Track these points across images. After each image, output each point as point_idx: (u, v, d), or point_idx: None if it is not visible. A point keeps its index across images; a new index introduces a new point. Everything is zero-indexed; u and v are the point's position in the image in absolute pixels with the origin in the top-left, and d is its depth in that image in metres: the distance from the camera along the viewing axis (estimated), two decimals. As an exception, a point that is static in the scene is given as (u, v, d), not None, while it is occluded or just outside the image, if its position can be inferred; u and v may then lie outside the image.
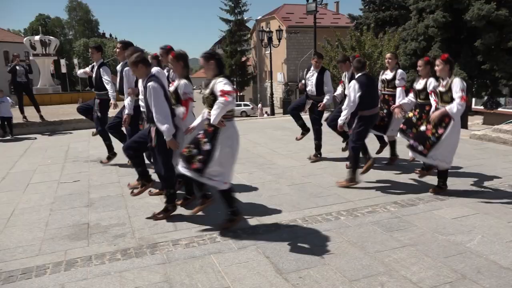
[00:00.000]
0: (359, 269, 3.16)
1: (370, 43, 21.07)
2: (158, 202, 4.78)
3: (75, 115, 11.98)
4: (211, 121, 3.53)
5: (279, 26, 32.65)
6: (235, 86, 46.46)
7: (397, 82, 5.98)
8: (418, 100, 5.46)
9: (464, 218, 4.13)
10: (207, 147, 3.63)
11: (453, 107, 4.44)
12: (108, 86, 6.21)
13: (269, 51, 29.18)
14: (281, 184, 5.44)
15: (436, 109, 4.72)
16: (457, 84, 4.47)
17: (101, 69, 6.29)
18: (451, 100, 4.52)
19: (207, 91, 3.66)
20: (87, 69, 6.72)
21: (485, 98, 20.17)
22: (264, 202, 4.73)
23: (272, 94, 29.18)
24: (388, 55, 6.32)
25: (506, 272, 3.06)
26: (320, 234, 3.81)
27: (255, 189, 5.25)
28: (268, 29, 31.92)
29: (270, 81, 30.27)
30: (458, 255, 3.34)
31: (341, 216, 4.26)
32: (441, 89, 4.67)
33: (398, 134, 5.77)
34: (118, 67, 5.55)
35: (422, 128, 4.83)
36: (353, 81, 5.29)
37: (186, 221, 4.16)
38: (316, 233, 3.84)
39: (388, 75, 6.15)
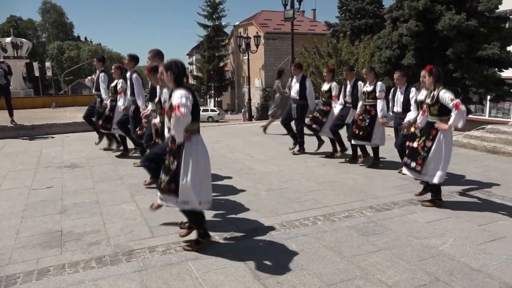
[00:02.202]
0: (336, 273, 3.20)
1: (346, 50, 21.44)
2: (134, 209, 4.71)
3: (47, 119, 11.71)
4: (176, 141, 3.34)
5: (257, 32, 32.78)
6: (212, 92, 46.38)
7: (377, 94, 6.28)
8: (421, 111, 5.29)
9: (437, 222, 4.24)
10: (174, 166, 3.41)
11: (452, 120, 4.35)
12: (102, 90, 7.48)
13: (247, 57, 29.25)
14: (259, 189, 5.44)
15: (428, 124, 4.66)
16: (445, 96, 4.39)
17: (101, 75, 7.60)
18: (439, 112, 4.50)
19: (168, 104, 3.45)
20: (92, 76, 8.04)
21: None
22: (242, 208, 4.72)
23: (250, 99, 29.24)
24: (364, 70, 6.62)
25: (477, 274, 3.16)
26: (298, 239, 3.83)
27: (233, 194, 5.23)
28: (246, 35, 32.01)
29: (248, 86, 30.34)
30: (431, 258, 3.42)
31: (318, 221, 4.30)
32: (428, 101, 4.63)
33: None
34: (128, 74, 6.55)
35: (415, 144, 4.80)
36: (414, 89, 5.84)
37: (163, 228, 4.11)
38: (293, 238, 3.86)
39: (367, 87, 6.44)
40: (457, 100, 4.36)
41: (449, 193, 5.20)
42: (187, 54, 72.68)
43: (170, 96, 3.46)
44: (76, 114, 14.03)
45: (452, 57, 17.88)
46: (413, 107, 5.65)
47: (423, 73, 5.28)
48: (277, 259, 3.45)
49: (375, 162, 6.61)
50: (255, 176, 6.14)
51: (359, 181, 5.82)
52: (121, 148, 7.65)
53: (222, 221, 4.32)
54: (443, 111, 4.48)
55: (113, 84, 7.26)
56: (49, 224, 4.28)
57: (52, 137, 9.99)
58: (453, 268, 3.26)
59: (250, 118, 26.60)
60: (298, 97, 7.41)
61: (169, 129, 3.43)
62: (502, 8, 18.19)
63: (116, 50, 65.93)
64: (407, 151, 5.01)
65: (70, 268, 3.33)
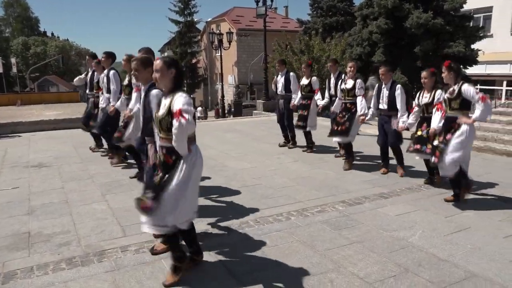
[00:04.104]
0: (310, 267, 3.24)
1: (318, 47, 21.64)
2: (105, 208, 4.62)
3: (13, 117, 11.29)
4: (181, 153, 2.82)
5: (230, 29, 32.71)
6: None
7: (357, 91, 6.16)
8: (426, 114, 5.12)
9: (406, 214, 4.36)
10: (164, 179, 2.86)
11: (478, 113, 4.31)
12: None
13: (219, 54, 29.10)
14: (233, 186, 5.44)
15: (449, 119, 4.54)
16: (469, 90, 4.33)
17: (95, 73, 7.16)
18: (460, 106, 4.42)
19: (162, 110, 2.89)
20: (84, 75, 7.69)
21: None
22: (215, 205, 4.71)
23: (223, 96, 29.16)
24: (350, 63, 6.38)
25: (444, 264, 3.28)
26: (272, 235, 3.86)
27: (207, 191, 5.21)
28: (218, 31, 31.83)
29: (221, 83, 30.23)
30: (401, 250, 3.53)
31: (291, 216, 4.34)
32: (448, 96, 4.52)
33: (416, 156, 5.34)
34: (105, 71, 6.51)
35: (435, 142, 4.70)
36: (400, 86, 5.65)
37: (135, 226, 4.05)
38: (267, 234, 3.89)
39: (348, 84, 6.29)
40: (482, 93, 4.33)
41: (418, 186, 5.37)
42: (159, 51, 71.43)
43: (154, 101, 3.05)
44: (43, 112, 13.61)
45: (420, 54, 18.39)
46: (402, 107, 5.50)
47: (424, 74, 5.09)
48: (251, 255, 3.47)
49: (350, 160, 6.36)
50: (229, 173, 6.13)
51: (331, 176, 5.91)
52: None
53: (196, 218, 4.29)
54: (465, 105, 4.44)
55: (96, 80, 7.04)
56: (15, 226, 4.14)
57: (19, 136, 9.65)
58: (422, 258, 3.37)
59: (224, 115, 26.53)
60: (284, 92, 7.66)
61: (161, 139, 2.94)
62: (466, 7, 18.85)
63: (84, 46, 63.89)
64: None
65: (38, 270, 3.24)
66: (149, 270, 3.22)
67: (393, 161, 6.00)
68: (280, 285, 3.00)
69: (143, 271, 3.20)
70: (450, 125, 4.53)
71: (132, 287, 2.99)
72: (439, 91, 4.94)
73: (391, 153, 5.96)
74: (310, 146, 7.57)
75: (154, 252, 3.50)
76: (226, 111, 27.63)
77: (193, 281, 3.05)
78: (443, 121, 4.66)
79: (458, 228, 3.98)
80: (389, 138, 5.78)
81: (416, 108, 5.30)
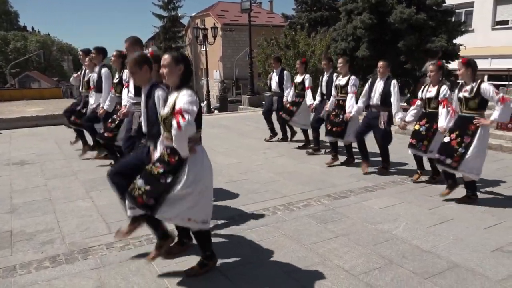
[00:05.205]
0: (296, 261, 3.27)
1: (303, 42, 21.68)
2: (90, 205, 4.56)
3: (-7, 114, 11.05)
4: (181, 155, 2.71)
5: (214, 24, 32.48)
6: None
7: (349, 88, 5.97)
8: (428, 109, 4.98)
9: (390, 207, 4.42)
10: (168, 179, 2.75)
11: (497, 114, 4.15)
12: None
13: (204, 49, 28.90)
14: (219, 181, 5.42)
15: (464, 119, 4.33)
16: (488, 89, 4.15)
17: (87, 71, 6.85)
18: (479, 106, 4.24)
19: (167, 109, 2.78)
20: (78, 73, 7.26)
21: (408, 95, 21.71)
22: (202, 200, 4.69)
23: (208, 91, 29.01)
24: (340, 60, 6.14)
25: (427, 255, 3.34)
26: (258, 230, 3.87)
27: (193, 187, 5.19)
28: (203, 26, 31.60)
29: (206, 78, 30.07)
30: (385, 242, 3.58)
31: (277, 211, 4.36)
32: (465, 94, 4.30)
33: (409, 150, 5.25)
34: (96, 69, 6.26)
35: (446, 139, 4.42)
36: (395, 81, 5.43)
37: (121, 223, 4.01)
38: (253, 228, 3.90)
39: (341, 81, 6.10)
40: (502, 93, 4.19)
41: (401, 179, 5.44)
42: (143, 46, 70.69)
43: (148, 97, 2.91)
44: (25, 109, 13.34)
45: (403, 49, 18.57)
46: (397, 103, 5.33)
47: (430, 67, 4.91)
48: (238, 250, 3.48)
49: (349, 160, 6.26)
50: (215, 168, 6.02)
51: (316, 170, 5.95)
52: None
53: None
54: (482, 105, 4.25)
55: (86, 79, 6.70)
56: (-3, 225, 4.06)
57: (0, 133, 9.45)
58: (405, 250, 3.43)
59: (209, 110, 26.39)
60: (278, 90, 7.66)
61: (166, 139, 2.86)
62: (448, 2, 19.11)
63: (66, 41, 62.75)
64: (437, 147, 4.58)
65: (21, 269, 3.19)
66: (135, 267, 3.20)
67: (377, 158, 6.05)
68: (267, 279, 3.02)
69: (129, 268, 3.18)
70: (466, 127, 4.30)
71: (117, 284, 2.97)
72: (444, 86, 4.79)
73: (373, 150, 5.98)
74: (284, 138, 7.97)
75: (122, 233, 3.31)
76: (212, 107, 27.49)
77: (179, 275, 3.04)
78: (452, 120, 4.51)
79: (441, 220, 4.05)
80: (378, 136, 5.60)
81: (418, 102, 5.15)
